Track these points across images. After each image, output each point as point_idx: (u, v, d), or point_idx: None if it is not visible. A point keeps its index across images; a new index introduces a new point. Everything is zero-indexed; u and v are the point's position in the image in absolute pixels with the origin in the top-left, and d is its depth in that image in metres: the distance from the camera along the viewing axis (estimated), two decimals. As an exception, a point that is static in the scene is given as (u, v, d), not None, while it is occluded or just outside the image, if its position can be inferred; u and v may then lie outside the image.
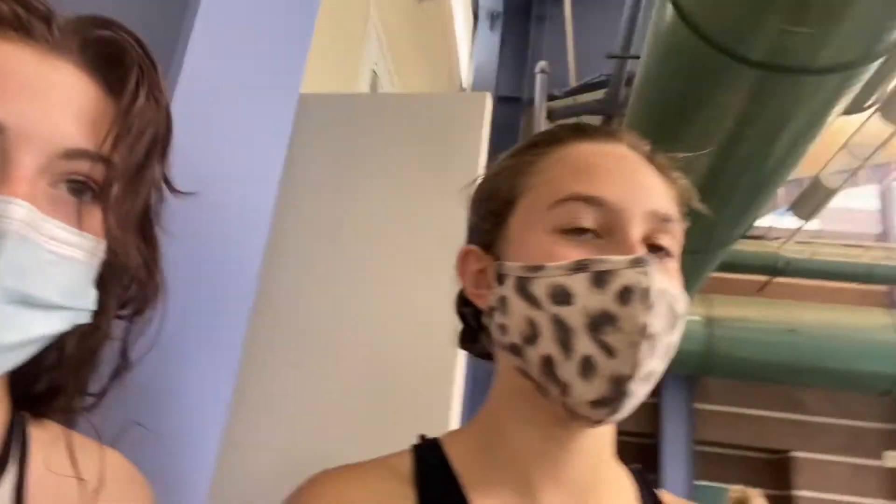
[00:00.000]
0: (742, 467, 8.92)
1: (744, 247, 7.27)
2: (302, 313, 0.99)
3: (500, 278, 0.55)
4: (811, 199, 6.07)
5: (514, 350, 0.53)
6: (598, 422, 0.51)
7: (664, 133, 3.36)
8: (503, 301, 0.54)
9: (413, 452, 0.57)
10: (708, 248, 4.34)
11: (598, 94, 4.62)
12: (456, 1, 4.00)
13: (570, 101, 4.68)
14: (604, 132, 0.60)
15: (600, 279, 0.50)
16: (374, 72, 2.41)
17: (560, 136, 0.59)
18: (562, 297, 0.50)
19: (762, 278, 8.33)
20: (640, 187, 0.55)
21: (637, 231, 0.53)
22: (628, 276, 0.49)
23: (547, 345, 0.50)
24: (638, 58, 3.52)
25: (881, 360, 7.21)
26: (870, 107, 4.09)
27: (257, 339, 0.96)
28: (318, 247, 1.02)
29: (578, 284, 0.50)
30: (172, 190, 0.48)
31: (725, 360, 7.07)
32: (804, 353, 7.28)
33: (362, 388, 0.93)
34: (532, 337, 0.51)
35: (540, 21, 4.83)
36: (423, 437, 0.59)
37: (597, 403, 0.49)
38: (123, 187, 0.42)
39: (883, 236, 9.21)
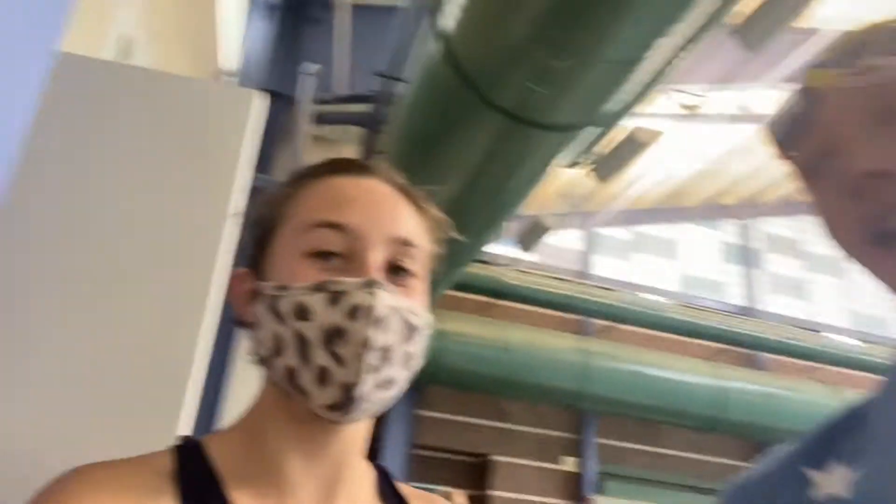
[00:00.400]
0: (451, 470, 9.71)
1: (475, 269, 8.01)
2: (32, 294, 0.86)
3: (258, 297, 0.60)
4: (533, 234, 6.96)
5: (266, 362, 0.59)
6: (339, 422, 0.58)
7: (418, 156, 3.60)
8: (259, 318, 0.60)
9: (174, 452, 0.58)
10: (445, 268, 4.71)
11: (366, 108, 4.76)
12: (231, -19, 3.81)
13: (339, 107, 4.74)
14: (359, 167, 0.66)
15: (335, 298, 0.56)
16: (125, 37, 2.18)
17: (318, 171, 0.65)
18: (303, 313, 0.56)
19: (487, 299, 9.25)
20: (385, 215, 0.62)
21: (376, 255, 0.59)
22: (358, 297, 0.56)
23: (289, 357, 0.56)
24: (405, 81, 3.71)
25: (568, 378, 8.50)
26: (586, 164, 4.87)
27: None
28: (53, 228, 0.90)
29: (317, 303, 0.56)
30: None
31: (450, 371, 7.70)
32: (514, 368, 8.27)
33: (94, 383, 0.85)
34: (278, 350, 0.57)
35: (316, 23, 4.82)
36: (184, 438, 0.61)
37: (331, 407, 0.56)
38: None
39: (581, 274, 10.87)
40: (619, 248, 11.45)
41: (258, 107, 1.08)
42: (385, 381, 0.57)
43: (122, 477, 0.53)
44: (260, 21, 4.63)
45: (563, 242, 11.04)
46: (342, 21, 3.98)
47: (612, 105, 2.84)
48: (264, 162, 4.20)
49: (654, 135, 4.40)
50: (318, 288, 0.57)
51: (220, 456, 0.59)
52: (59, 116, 0.93)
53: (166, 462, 0.57)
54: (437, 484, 5.77)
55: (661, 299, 9.87)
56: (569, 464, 10.12)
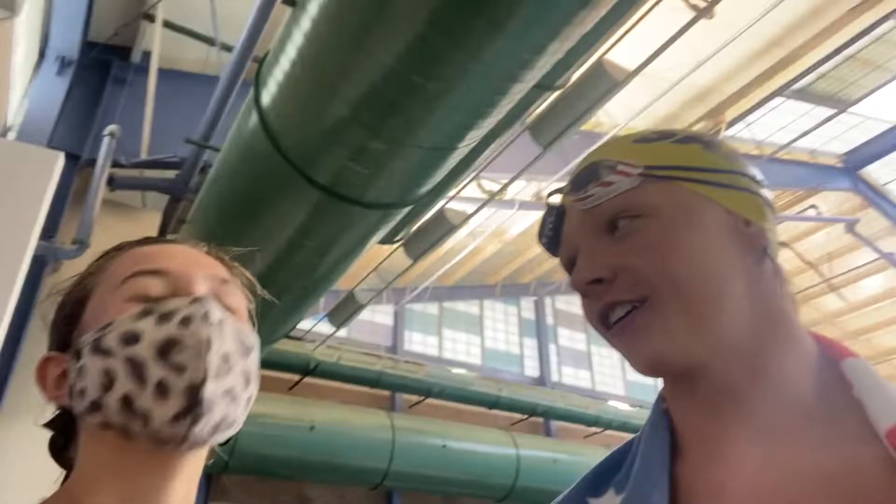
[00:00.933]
0: (249, 567, 8.90)
1: (283, 346, 7.71)
2: None
3: (78, 354, 0.59)
4: (345, 310, 6.92)
5: (94, 406, 0.56)
6: (185, 438, 0.55)
7: (230, 227, 3.46)
8: (81, 370, 0.57)
9: None
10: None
11: (169, 174, 4.50)
12: (20, 29, 3.45)
13: (136, 172, 4.42)
14: (163, 239, 0.69)
15: (165, 317, 0.57)
16: None
17: (124, 245, 0.67)
18: (131, 339, 0.56)
19: (295, 377, 8.91)
20: (200, 262, 0.65)
21: (200, 288, 0.61)
22: (189, 309, 0.57)
23: (123, 384, 0.55)
24: (217, 150, 3.60)
25: (377, 456, 8.36)
26: (399, 241, 5.03)
27: None
28: None
29: (145, 325, 0.56)
30: None
31: (249, 456, 7.17)
32: (319, 448, 7.93)
33: None
34: (109, 384, 0.55)
35: (118, 84, 4.51)
36: None
37: (177, 417, 0.54)
38: None
39: (392, 349, 10.98)
40: (430, 323, 11.81)
41: (59, 167, 0.99)
42: (229, 391, 0.56)
43: None
44: (52, 76, 4.23)
45: (375, 318, 11.11)
46: (151, 84, 3.79)
47: (424, 187, 3.01)
48: (51, 227, 3.74)
49: (462, 216, 4.71)
50: (146, 312, 0.57)
51: None
52: None
53: None
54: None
55: (467, 372, 10.28)
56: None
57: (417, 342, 11.52)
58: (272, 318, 3.97)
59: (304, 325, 8.51)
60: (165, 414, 0.54)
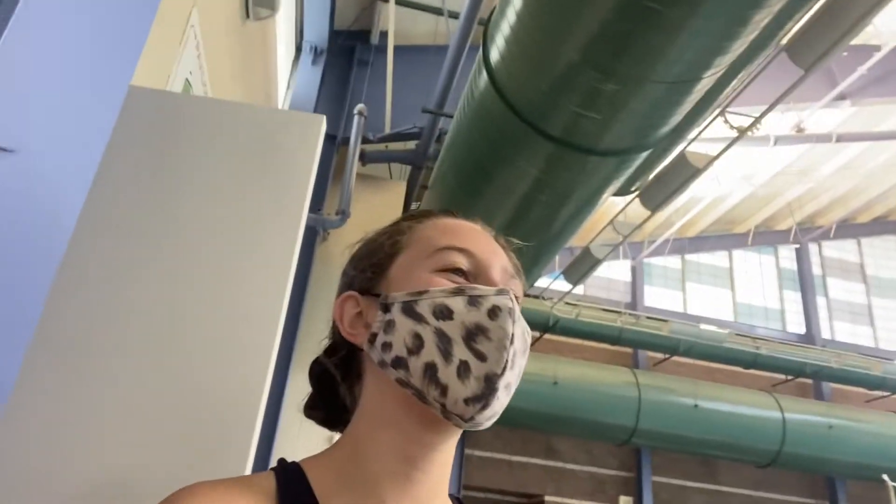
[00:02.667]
0: (504, 511, 9.46)
1: (523, 303, 7.90)
2: (101, 320, 0.86)
3: (386, 307, 0.64)
4: (581, 266, 6.84)
5: (397, 363, 0.61)
6: (471, 419, 0.59)
7: (468, 188, 3.60)
8: (389, 324, 0.62)
9: (275, 474, 0.60)
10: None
11: (410, 145, 4.81)
12: (281, 28, 3.93)
13: (382, 146, 4.80)
14: (463, 216, 0.73)
15: (474, 301, 0.61)
16: (188, 81, 2.25)
17: (431, 212, 0.73)
18: (444, 313, 0.60)
19: (535, 333, 9.12)
20: (495, 249, 0.69)
21: (498, 277, 0.65)
22: (496, 300, 0.61)
23: (430, 353, 0.59)
24: (451, 116, 3.74)
25: (623, 413, 8.24)
26: (634, 191, 4.78)
27: (46, 344, 0.82)
28: (126, 249, 0.90)
29: (457, 304, 0.61)
30: None
31: (498, 407, 7.51)
32: (563, 403, 8.06)
33: (164, 408, 0.84)
34: (417, 348, 0.60)
35: (362, 65, 4.93)
36: (282, 461, 0.63)
37: (470, 400, 0.58)
38: None
39: (631, 305, 10.64)
40: (671, 277, 11.19)
41: (322, 131, 1.08)
42: (508, 384, 0.60)
43: (230, 495, 0.55)
44: (308, 66, 4.76)
45: (612, 274, 10.84)
46: (388, 62, 4.06)
47: (664, 128, 2.79)
48: (317, 200, 4.26)
49: (706, 158, 4.30)
50: (457, 291, 0.61)
51: (318, 479, 0.60)
52: (131, 146, 0.94)
53: (269, 484, 0.59)
54: (492, 525, 5.60)
55: (718, 329, 9.54)
56: (625, 503, 9.76)
57: (659, 297, 11.00)
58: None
59: (541, 283, 8.63)
60: (461, 393, 0.58)
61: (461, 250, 0.65)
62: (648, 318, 9.48)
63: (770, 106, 3.72)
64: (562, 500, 9.62)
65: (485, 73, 2.84)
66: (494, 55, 2.74)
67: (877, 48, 5.20)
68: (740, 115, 4.31)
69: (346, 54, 5.00)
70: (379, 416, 0.63)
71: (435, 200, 4.19)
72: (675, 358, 9.65)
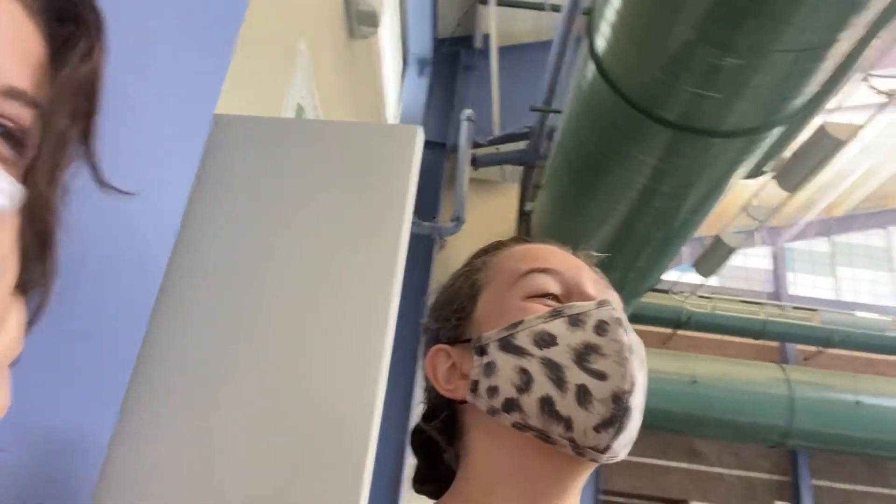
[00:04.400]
0: (645, 516, 9.09)
1: (651, 300, 7.57)
2: (207, 353, 0.89)
3: (481, 350, 0.59)
4: (713, 257, 6.42)
5: (509, 406, 0.56)
6: (607, 448, 0.53)
7: (582, 185, 3.48)
8: (489, 366, 0.57)
9: None
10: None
11: (520, 145, 4.76)
12: (386, 43, 4.04)
13: (492, 149, 4.79)
14: (534, 239, 0.69)
15: (576, 320, 0.56)
16: (301, 105, 2.35)
17: (502, 243, 0.69)
18: (546, 341, 0.55)
19: (667, 330, 8.68)
20: (580, 265, 0.64)
21: (591, 290, 0.61)
22: (600, 313, 0.56)
23: (542, 387, 0.54)
24: (560, 112, 3.65)
25: (773, 412, 7.63)
26: (768, 172, 4.42)
27: (149, 375, 0.86)
28: (230, 277, 0.94)
29: (558, 328, 0.56)
30: (100, 180, 0.42)
31: (634, 409, 7.25)
32: (704, 403, 7.60)
33: (269, 434, 0.85)
34: (526, 384, 0.55)
35: (467, 71, 4.95)
36: None
37: (601, 426, 0.52)
38: (55, 142, 0.37)
39: (774, 295, 9.86)
40: (819, 262, 10.25)
41: (419, 140, 1.06)
42: (639, 405, 0.55)
43: None
44: (415, 78, 4.86)
45: (749, 262, 10.11)
46: (493, 64, 4.04)
47: (796, 101, 2.54)
48: (431, 209, 4.32)
49: (850, 130, 3.88)
50: (556, 314, 0.57)
51: None
52: (240, 173, 0.98)
53: None
54: (634, 532, 5.39)
55: (878, 316, 8.58)
56: (782, 509, 9.06)
57: (805, 285, 10.11)
58: (635, 272, 3.88)
59: (670, 276, 8.21)
60: (589, 421, 0.53)
61: (546, 271, 0.61)
62: (795, 308, 8.73)
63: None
64: (708, 506, 9.10)
65: (592, 64, 2.73)
66: (601, 44, 2.63)
67: None
68: (887, 77, 3.85)
69: (452, 61, 5.05)
70: (496, 468, 0.57)
71: (548, 200, 4.10)
72: (830, 350, 8.81)
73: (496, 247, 0.68)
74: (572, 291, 0.60)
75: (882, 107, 3.82)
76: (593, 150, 3.13)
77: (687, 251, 8.42)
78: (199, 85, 0.79)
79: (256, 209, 0.97)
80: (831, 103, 3.70)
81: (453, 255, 4.56)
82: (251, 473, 0.82)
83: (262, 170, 0.99)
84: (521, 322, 0.56)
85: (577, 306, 0.57)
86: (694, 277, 7.36)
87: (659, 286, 7.14)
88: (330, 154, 1.02)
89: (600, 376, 0.53)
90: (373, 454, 0.86)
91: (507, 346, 0.56)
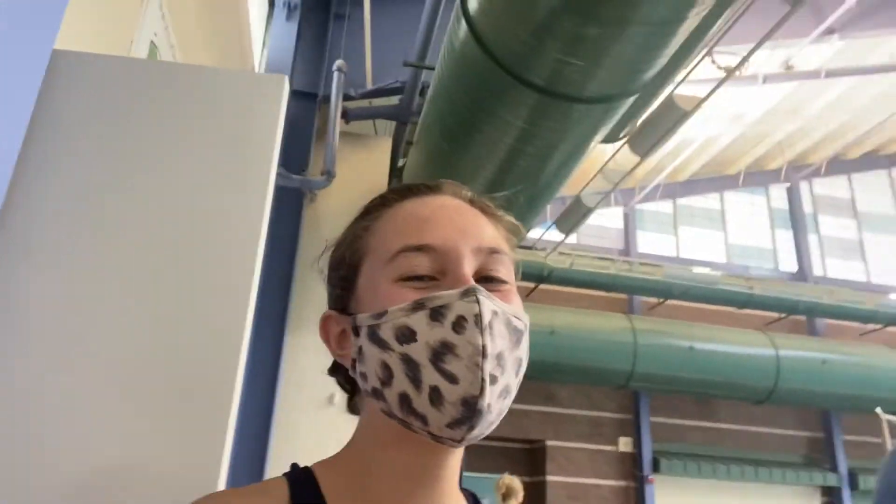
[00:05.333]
0: (506, 457, 9.70)
1: (516, 256, 7.90)
2: (48, 312, 0.83)
3: (356, 331, 0.60)
4: (572, 216, 6.81)
5: (376, 394, 0.58)
6: (458, 441, 0.55)
7: (452, 143, 3.53)
8: (360, 351, 0.59)
9: (288, 480, 0.59)
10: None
11: (393, 100, 4.71)
12: (251, -17, 3.79)
13: (365, 103, 4.70)
14: (426, 187, 0.66)
15: (437, 313, 0.55)
16: (154, 44, 2.17)
17: (388, 199, 0.66)
18: (406, 336, 0.55)
19: (529, 284, 9.15)
20: (465, 228, 0.61)
21: (467, 267, 0.59)
22: (461, 307, 0.55)
23: (401, 383, 0.55)
24: (433, 69, 3.65)
25: (620, 358, 8.37)
26: (623, 137, 4.72)
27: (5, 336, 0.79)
28: (73, 229, 0.87)
29: (419, 322, 0.55)
30: None
31: (496, 359, 7.63)
32: (561, 352, 8.17)
33: (126, 396, 0.82)
34: (388, 378, 0.56)
35: (339, 19, 4.77)
36: (294, 466, 0.62)
37: (453, 424, 0.54)
38: None
39: (625, 252, 10.67)
40: (663, 222, 11.19)
41: (285, 90, 1.03)
42: (503, 390, 0.56)
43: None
44: (282, 23, 4.61)
45: (604, 221, 10.83)
46: (366, 15, 3.93)
47: (650, 71, 2.72)
48: (301, 162, 4.19)
49: (694, 101, 4.23)
50: (417, 306, 0.56)
51: (328, 485, 0.60)
52: (82, 114, 0.90)
53: (282, 491, 0.58)
54: (494, 472, 5.74)
55: (710, 271, 9.60)
56: (624, 444, 10.00)
57: (651, 243, 11.02)
58: (502, 229, 4.02)
59: (534, 234, 8.62)
60: (441, 420, 0.54)
61: (420, 248, 0.59)
62: (642, 263, 9.52)
63: (757, 43, 3.63)
64: (562, 444, 9.85)
65: (464, 23, 2.75)
66: (473, 4, 2.65)
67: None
68: (728, 54, 4.21)
69: (322, 8, 4.84)
70: (380, 436, 0.60)
71: (420, 156, 4.12)
72: (670, 302, 9.74)
73: (383, 203, 0.66)
74: (446, 270, 0.58)
75: (722, 80, 4.19)
76: (464, 109, 3.18)
77: (550, 209, 8.86)
78: (35, 16, 0.71)
79: (103, 156, 0.89)
80: (679, 76, 4.00)
81: (324, 209, 4.47)
82: (105, 425, 0.79)
83: (109, 114, 0.91)
84: (385, 313, 0.57)
85: (441, 297, 0.55)
86: (556, 235, 7.78)
87: (524, 243, 7.48)
88: (186, 101, 0.96)
89: (452, 379, 0.53)
90: (236, 404, 0.85)
91: (373, 336, 0.57)
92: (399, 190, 0.66)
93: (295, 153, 4.14)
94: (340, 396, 0.65)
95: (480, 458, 9.12)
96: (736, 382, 8.51)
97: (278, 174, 3.51)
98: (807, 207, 11.53)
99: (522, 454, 10.18)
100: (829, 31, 6.08)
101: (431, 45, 3.79)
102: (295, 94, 4.38)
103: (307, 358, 4.03)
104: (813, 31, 5.69)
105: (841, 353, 8.65)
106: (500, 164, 3.27)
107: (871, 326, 9.79)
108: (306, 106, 4.43)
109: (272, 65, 4.41)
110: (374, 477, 0.59)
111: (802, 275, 10.88)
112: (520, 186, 3.45)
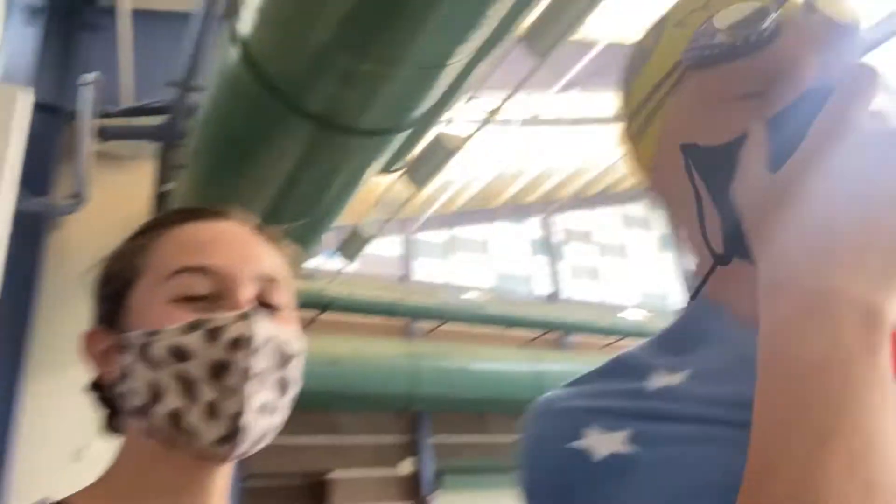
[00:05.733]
0: (287, 496, 9.34)
1: (295, 285, 7.75)
2: None
3: (123, 349, 0.59)
4: (352, 244, 6.91)
5: (141, 412, 0.57)
6: (225, 458, 0.57)
7: (226, 168, 3.39)
8: (127, 369, 0.58)
9: None
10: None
11: (158, 120, 4.38)
12: (-20, -22, 3.28)
13: (124, 121, 4.31)
14: (212, 212, 0.67)
15: (213, 334, 0.57)
16: None
17: (171, 219, 0.66)
18: (181, 354, 0.56)
19: (312, 313, 9.02)
20: (247, 255, 0.63)
21: (246, 292, 0.60)
22: (236, 328, 0.57)
23: (173, 399, 0.56)
24: (201, 90, 3.49)
25: (400, 382, 8.60)
26: (398, 169, 4.94)
27: None
28: None
29: (194, 341, 0.57)
30: None
31: (276, 393, 7.36)
32: (343, 381, 8.16)
33: None
34: (156, 396, 0.56)
35: (93, 30, 4.33)
36: (43, 501, 0.57)
37: (220, 441, 0.56)
38: None
39: (404, 278, 11.06)
40: (437, 250, 11.83)
41: (25, 103, 0.93)
42: (270, 408, 0.59)
43: None
44: (21, 27, 4.05)
45: (383, 250, 11.13)
46: (124, 27, 3.63)
47: (419, 110, 2.91)
48: (43, 183, 3.69)
49: (457, 140, 4.60)
50: (194, 326, 0.57)
51: None
52: None
53: None
54: (275, 513, 5.50)
55: (479, 295, 10.37)
56: (407, 466, 10.24)
57: (428, 270, 11.58)
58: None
59: (314, 262, 8.55)
60: (212, 435, 0.56)
61: (199, 270, 0.60)
62: (420, 290, 9.94)
63: (511, 92, 4.09)
64: (346, 474, 9.76)
65: (235, 48, 2.68)
66: (244, 28, 2.60)
67: (595, 43, 6.00)
68: (489, 99, 4.66)
69: (70, 15, 4.37)
70: (143, 457, 0.60)
71: (191, 180, 3.88)
72: (446, 325, 10.28)
73: (163, 223, 0.65)
74: (225, 294, 0.60)
75: (483, 123, 4.62)
76: (238, 135, 3.09)
77: (328, 238, 8.87)
78: None
79: None
80: (446, 116, 4.32)
81: (75, 237, 3.97)
82: None
83: None
84: (158, 332, 0.57)
85: (217, 319, 0.57)
86: (336, 263, 7.80)
87: (305, 272, 7.38)
88: None
89: (223, 397, 0.56)
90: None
91: (144, 354, 0.57)
92: (181, 212, 0.66)
93: (35, 173, 3.65)
94: (92, 449, 0.63)
95: (258, 499, 8.66)
96: (505, 397, 9.23)
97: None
98: (558, 237, 13.04)
99: (304, 490, 9.89)
100: (570, 85, 7.04)
101: (200, 65, 3.63)
102: (38, 107, 3.87)
103: (52, 404, 3.53)
104: (556, 84, 6.54)
105: (587, 363, 9.73)
106: (278, 192, 3.23)
107: (609, 339, 11.31)
108: (50, 121, 3.94)
109: (9, 73, 3.86)
110: (138, 499, 0.58)
111: (555, 297, 12.23)
112: (304, 217, 3.43)
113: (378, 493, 9.97)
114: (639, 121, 0.57)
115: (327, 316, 9.07)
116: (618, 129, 0.61)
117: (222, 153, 3.30)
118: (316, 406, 8.46)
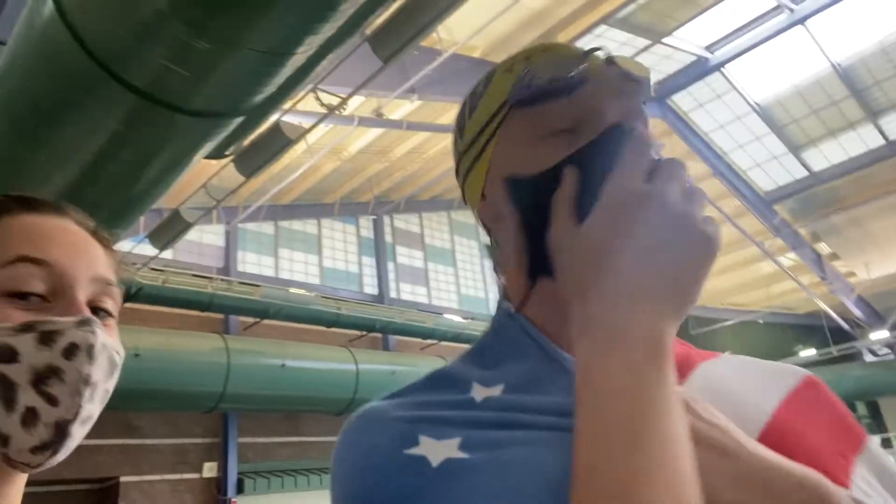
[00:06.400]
0: (73, 501, 8.41)
1: (98, 270, 7.03)
2: None
3: None
4: (169, 230, 6.42)
5: None
6: (38, 465, 0.55)
7: (24, 134, 2.99)
8: None
9: None
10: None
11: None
12: None
13: None
14: (51, 206, 0.64)
15: (47, 338, 0.54)
16: None
17: (8, 207, 0.61)
18: (6, 356, 0.53)
19: (114, 303, 8.21)
20: (85, 255, 0.61)
21: (82, 294, 0.58)
22: (75, 335, 0.55)
23: None
24: (3, 43, 3.05)
25: (211, 380, 8.11)
26: (228, 155, 4.69)
27: None
28: None
29: (25, 344, 0.53)
30: None
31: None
32: (146, 377, 7.50)
33: None
34: None
35: None
36: None
37: (38, 449, 0.53)
38: None
39: (224, 270, 10.49)
40: (265, 243, 11.39)
41: None
42: (87, 417, 0.57)
43: None
44: None
45: (203, 238, 10.46)
46: None
47: (258, 95, 2.80)
48: None
49: (299, 130, 4.49)
50: (26, 328, 0.54)
51: None
52: None
53: None
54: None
55: (305, 292, 10.15)
56: (209, 470, 9.69)
57: (252, 263, 11.11)
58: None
59: (122, 246, 7.80)
60: (27, 443, 0.53)
61: (37, 262, 0.56)
62: (241, 283, 9.49)
63: (355, 89, 4.07)
64: (140, 478, 9.00)
65: (50, 2, 2.39)
66: (62, -19, 2.33)
67: (440, 52, 6.18)
68: (331, 94, 4.60)
69: None
70: None
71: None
72: (266, 321, 9.93)
73: (2, 210, 0.60)
74: (61, 293, 0.57)
75: (325, 116, 4.55)
76: (42, 98, 2.74)
77: (144, 221, 8.16)
78: None
79: None
80: (286, 105, 4.20)
81: None
82: None
83: None
84: None
85: (55, 323, 0.55)
86: (147, 249, 7.19)
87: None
88: None
89: (51, 402, 0.53)
90: None
91: None
92: (20, 200, 0.63)
93: None
94: None
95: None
96: (322, 396, 9.12)
97: None
98: (388, 238, 13.19)
99: (91, 496, 8.98)
100: (411, 91, 7.18)
101: (5, 13, 3.17)
102: None
103: None
104: (399, 87, 6.63)
105: (406, 364, 10.06)
106: (87, 168, 2.91)
107: (430, 342, 11.66)
108: None
109: None
110: None
111: (381, 297, 12.35)
112: (115, 196, 3.12)
113: (175, 497, 9.32)
114: (470, 156, 0.63)
115: (134, 305, 8.32)
116: (453, 161, 0.67)
117: (21, 115, 2.90)
118: (112, 405, 7.69)
